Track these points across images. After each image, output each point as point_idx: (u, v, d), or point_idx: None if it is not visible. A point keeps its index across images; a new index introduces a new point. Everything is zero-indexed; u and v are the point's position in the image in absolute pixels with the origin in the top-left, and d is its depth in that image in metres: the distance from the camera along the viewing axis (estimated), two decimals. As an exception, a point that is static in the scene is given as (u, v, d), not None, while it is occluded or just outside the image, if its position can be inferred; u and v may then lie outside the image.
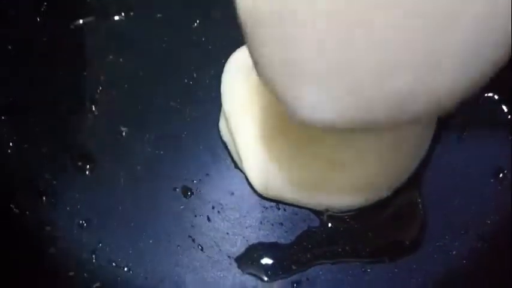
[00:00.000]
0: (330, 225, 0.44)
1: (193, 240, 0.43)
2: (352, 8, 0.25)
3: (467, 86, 0.27)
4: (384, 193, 0.44)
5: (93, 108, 0.47)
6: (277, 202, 0.45)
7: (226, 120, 0.45)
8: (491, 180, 0.45)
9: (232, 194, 0.45)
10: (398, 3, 0.24)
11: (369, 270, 0.43)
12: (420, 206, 0.44)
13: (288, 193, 0.44)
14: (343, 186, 0.43)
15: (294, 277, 0.42)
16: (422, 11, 0.24)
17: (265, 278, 0.43)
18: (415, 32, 0.25)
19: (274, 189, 0.44)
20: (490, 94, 0.47)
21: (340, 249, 0.43)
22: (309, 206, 0.44)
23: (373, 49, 0.26)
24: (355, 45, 0.26)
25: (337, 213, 0.44)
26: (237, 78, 0.45)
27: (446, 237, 0.43)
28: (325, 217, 0.44)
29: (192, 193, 0.45)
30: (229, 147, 0.46)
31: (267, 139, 0.43)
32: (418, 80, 0.26)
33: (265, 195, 0.45)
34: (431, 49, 0.25)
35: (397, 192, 0.44)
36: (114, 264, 0.43)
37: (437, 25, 0.25)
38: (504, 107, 0.46)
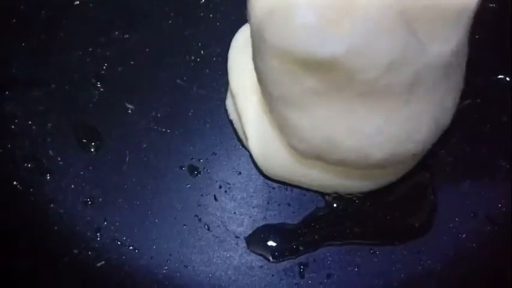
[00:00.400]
0: (338, 206, 0.43)
1: (200, 220, 0.43)
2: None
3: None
4: (393, 177, 0.43)
5: (99, 85, 0.46)
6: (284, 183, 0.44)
7: (233, 98, 0.44)
8: (502, 163, 0.44)
9: (240, 173, 0.44)
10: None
11: (377, 252, 0.42)
12: (430, 188, 0.43)
13: (293, 175, 0.43)
14: (351, 170, 0.42)
15: (301, 258, 0.42)
16: None
17: (272, 259, 0.42)
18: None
19: (280, 171, 0.43)
20: (501, 76, 0.46)
21: (348, 231, 0.43)
22: (315, 189, 0.44)
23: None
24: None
25: (345, 195, 0.43)
26: (244, 54, 0.44)
27: (456, 219, 0.43)
28: (331, 198, 0.43)
29: (198, 172, 0.44)
30: (235, 126, 0.45)
31: (273, 120, 0.42)
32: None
33: (271, 176, 0.44)
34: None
35: (407, 174, 0.43)
36: (119, 242, 0.42)
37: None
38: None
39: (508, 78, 0.46)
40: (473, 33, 0.36)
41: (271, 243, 0.43)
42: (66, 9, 0.49)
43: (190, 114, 0.46)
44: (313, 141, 0.37)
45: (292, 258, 0.42)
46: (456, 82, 0.38)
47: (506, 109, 0.45)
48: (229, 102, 0.45)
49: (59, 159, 0.45)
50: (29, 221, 0.43)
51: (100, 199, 0.43)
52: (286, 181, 0.44)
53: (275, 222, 0.43)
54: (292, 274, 0.42)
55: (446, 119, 0.38)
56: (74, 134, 0.45)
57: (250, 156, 0.44)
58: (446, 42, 0.37)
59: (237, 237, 0.43)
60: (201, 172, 0.44)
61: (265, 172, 0.44)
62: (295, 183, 0.44)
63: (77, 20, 0.48)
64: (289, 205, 0.43)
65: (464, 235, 0.43)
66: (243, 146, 0.45)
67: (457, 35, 0.36)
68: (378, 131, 0.36)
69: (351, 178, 0.42)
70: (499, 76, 0.47)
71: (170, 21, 0.48)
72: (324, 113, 0.36)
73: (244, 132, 0.43)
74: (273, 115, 0.39)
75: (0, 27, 0.48)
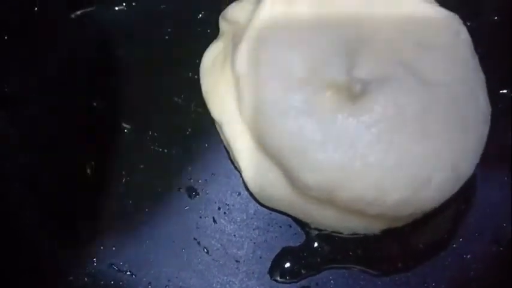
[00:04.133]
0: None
1: (199, 243, 0.42)
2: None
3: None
4: (399, 224, 0.42)
5: (95, 105, 0.45)
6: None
7: (218, 127, 0.43)
8: (509, 182, 0.43)
9: (239, 194, 0.43)
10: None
11: (381, 275, 0.41)
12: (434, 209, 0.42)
13: (289, 209, 0.42)
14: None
15: (304, 282, 0.41)
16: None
17: (274, 283, 0.41)
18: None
19: (276, 204, 0.42)
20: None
21: (351, 254, 0.42)
22: (315, 227, 0.42)
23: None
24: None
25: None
26: (218, 77, 0.43)
27: (461, 240, 0.42)
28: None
29: (197, 193, 0.43)
30: (230, 154, 0.44)
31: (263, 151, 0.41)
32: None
33: (269, 206, 0.43)
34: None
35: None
36: (116, 268, 0.41)
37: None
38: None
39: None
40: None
41: (273, 266, 0.42)
42: (62, 26, 0.48)
43: (188, 133, 0.45)
44: (327, 173, 0.36)
45: (294, 282, 0.41)
46: (474, 123, 0.38)
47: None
48: (219, 129, 0.44)
49: (55, 180, 0.44)
50: (23, 246, 0.42)
51: (96, 222, 0.42)
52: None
53: (276, 244, 0.42)
54: (294, 299, 0.41)
55: (466, 166, 0.38)
56: (70, 155, 0.44)
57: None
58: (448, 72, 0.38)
59: (237, 261, 0.42)
60: (200, 193, 0.43)
61: (264, 203, 0.43)
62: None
63: (73, 39, 0.47)
64: (291, 226, 0.43)
65: (469, 256, 0.42)
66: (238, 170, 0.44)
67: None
68: (397, 167, 0.35)
69: (355, 218, 0.40)
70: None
71: (167, 37, 0.47)
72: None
73: (237, 162, 0.42)
74: (272, 148, 0.38)
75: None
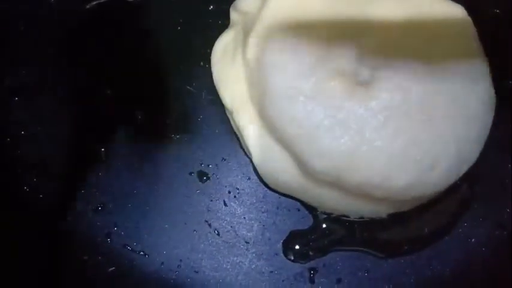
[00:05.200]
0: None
1: (210, 225, 0.43)
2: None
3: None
4: (406, 208, 0.43)
5: (108, 92, 0.46)
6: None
7: (229, 114, 0.44)
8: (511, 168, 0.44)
9: (249, 178, 0.44)
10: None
11: (387, 257, 0.42)
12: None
13: (297, 193, 0.43)
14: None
15: (311, 263, 0.42)
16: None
17: (282, 264, 0.42)
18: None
19: (288, 190, 0.43)
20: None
21: (358, 236, 0.43)
22: (325, 210, 0.43)
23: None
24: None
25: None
26: (227, 66, 0.44)
27: (465, 224, 0.43)
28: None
29: (208, 178, 0.44)
30: (239, 137, 0.45)
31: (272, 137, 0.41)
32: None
33: (279, 191, 0.44)
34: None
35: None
36: (129, 248, 0.42)
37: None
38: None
39: None
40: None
41: (281, 248, 0.43)
42: (76, 15, 0.48)
43: (199, 120, 0.46)
44: (335, 157, 0.37)
45: (302, 263, 0.42)
46: (478, 110, 0.39)
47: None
48: (229, 114, 0.45)
49: (69, 165, 0.45)
50: (38, 227, 0.43)
51: (110, 205, 0.43)
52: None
53: (285, 227, 0.43)
54: (302, 279, 0.42)
55: (470, 152, 0.39)
56: (83, 141, 0.45)
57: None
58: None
59: (246, 242, 0.43)
60: (211, 178, 0.44)
61: (273, 188, 0.44)
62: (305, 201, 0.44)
63: (86, 27, 0.48)
64: (299, 210, 0.43)
65: (473, 239, 0.43)
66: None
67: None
68: (404, 151, 0.36)
69: (362, 201, 0.41)
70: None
71: (179, 28, 0.48)
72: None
73: (247, 148, 0.43)
74: (282, 134, 0.39)
75: (11, 33, 0.48)
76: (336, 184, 0.39)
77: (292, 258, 0.42)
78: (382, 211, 0.42)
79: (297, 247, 0.42)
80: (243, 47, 0.42)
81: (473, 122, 0.39)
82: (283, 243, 0.43)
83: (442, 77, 0.38)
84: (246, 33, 0.42)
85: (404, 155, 0.37)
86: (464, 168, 0.39)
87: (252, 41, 0.40)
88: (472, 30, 0.41)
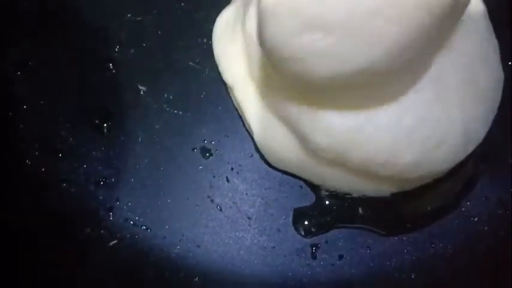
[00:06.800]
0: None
1: (212, 201, 0.43)
2: None
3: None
4: (410, 187, 0.43)
5: (111, 67, 0.46)
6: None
7: (230, 90, 0.44)
8: (515, 147, 0.44)
9: (252, 155, 0.44)
10: None
11: (389, 234, 0.42)
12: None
13: (305, 173, 0.43)
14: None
15: (313, 239, 0.42)
16: None
17: (284, 240, 0.42)
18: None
19: (290, 168, 0.43)
20: None
21: (360, 214, 0.43)
22: (327, 188, 0.43)
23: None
24: None
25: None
26: (229, 42, 0.44)
27: (468, 203, 0.43)
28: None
29: (210, 154, 0.44)
30: (240, 114, 0.45)
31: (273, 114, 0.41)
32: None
33: (281, 168, 0.44)
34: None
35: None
36: (131, 222, 0.42)
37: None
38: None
39: None
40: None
41: (283, 223, 0.42)
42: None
43: (202, 96, 0.46)
44: (339, 135, 0.36)
45: (304, 239, 0.42)
46: (486, 90, 0.38)
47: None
48: (230, 91, 0.45)
49: (71, 139, 0.44)
50: (41, 200, 0.43)
51: (112, 179, 0.43)
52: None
53: (287, 203, 0.43)
54: (304, 255, 0.42)
55: (477, 132, 0.38)
56: (86, 115, 0.45)
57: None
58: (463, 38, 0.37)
59: (249, 218, 0.43)
60: (213, 154, 0.44)
61: (275, 166, 0.44)
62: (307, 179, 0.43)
63: (89, 2, 0.48)
64: (301, 187, 0.43)
65: (476, 218, 0.43)
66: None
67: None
68: (410, 130, 0.36)
69: (366, 180, 0.41)
70: None
71: (183, 4, 0.48)
72: (353, 104, 0.36)
73: (248, 125, 0.43)
74: (284, 109, 0.38)
75: (12, 10, 0.48)
76: (339, 162, 0.38)
77: (295, 233, 0.42)
78: (385, 190, 0.42)
79: (299, 223, 0.42)
80: (243, 22, 0.42)
81: (481, 101, 0.38)
82: (285, 219, 0.42)
83: (450, 52, 0.37)
84: (246, 5, 0.41)
85: (410, 134, 0.36)
86: (471, 148, 0.39)
87: (251, 12, 0.40)
88: (481, 7, 0.40)
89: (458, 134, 0.37)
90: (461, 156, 0.39)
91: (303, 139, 0.39)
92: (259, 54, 0.39)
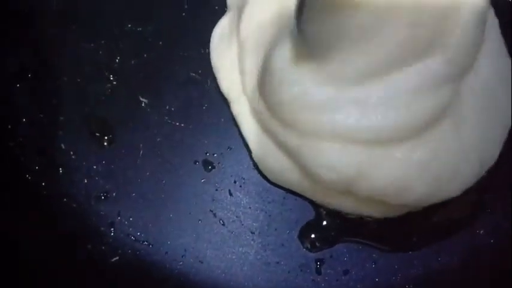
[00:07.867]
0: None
1: (215, 215, 0.42)
2: None
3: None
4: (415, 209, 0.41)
5: (112, 78, 0.46)
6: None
7: (229, 103, 0.43)
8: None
9: (255, 168, 0.44)
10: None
11: (395, 248, 0.41)
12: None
13: (302, 191, 0.42)
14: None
15: (318, 254, 0.41)
16: None
17: (288, 255, 0.41)
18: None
19: (287, 184, 0.42)
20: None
21: (365, 229, 0.42)
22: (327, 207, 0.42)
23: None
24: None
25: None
26: (226, 52, 0.43)
27: (473, 216, 0.43)
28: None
29: (213, 166, 0.44)
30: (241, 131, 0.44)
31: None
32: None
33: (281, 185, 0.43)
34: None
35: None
36: (133, 237, 0.42)
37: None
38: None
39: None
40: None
41: (287, 238, 0.42)
42: (78, 0, 0.48)
43: (204, 108, 0.45)
44: (346, 171, 0.34)
45: (309, 254, 0.41)
46: (504, 109, 0.37)
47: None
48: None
49: (72, 153, 0.44)
50: (41, 215, 0.42)
51: (114, 193, 0.43)
52: None
53: (292, 217, 0.42)
54: (308, 270, 0.41)
55: (492, 155, 0.37)
56: (86, 128, 0.44)
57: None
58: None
59: (252, 232, 0.42)
60: (216, 167, 0.44)
61: (275, 182, 0.43)
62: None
63: (89, 12, 0.47)
64: (306, 201, 0.43)
65: (482, 231, 0.42)
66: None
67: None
68: (424, 163, 0.33)
69: (372, 204, 0.39)
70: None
71: (184, 14, 0.47)
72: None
73: (246, 142, 0.42)
74: (281, 135, 0.37)
75: (12, 19, 0.47)
76: (345, 191, 0.37)
77: (299, 248, 0.41)
78: (392, 213, 0.41)
79: (304, 237, 0.42)
80: (237, 30, 0.41)
81: (498, 121, 0.37)
82: (289, 233, 0.42)
83: (469, 80, 0.35)
84: (241, 14, 0.41)
85: (423, 167, 0.34)
86: (483, 171, 0.37)
87: (244, 19, 0.39)
88: (495, 23, 0.39)
89: (473, 162, 0.36)
90: (475, 180, 0.37)
91: (304, 169, 0.37)
92: (253, 66, 0.38)
